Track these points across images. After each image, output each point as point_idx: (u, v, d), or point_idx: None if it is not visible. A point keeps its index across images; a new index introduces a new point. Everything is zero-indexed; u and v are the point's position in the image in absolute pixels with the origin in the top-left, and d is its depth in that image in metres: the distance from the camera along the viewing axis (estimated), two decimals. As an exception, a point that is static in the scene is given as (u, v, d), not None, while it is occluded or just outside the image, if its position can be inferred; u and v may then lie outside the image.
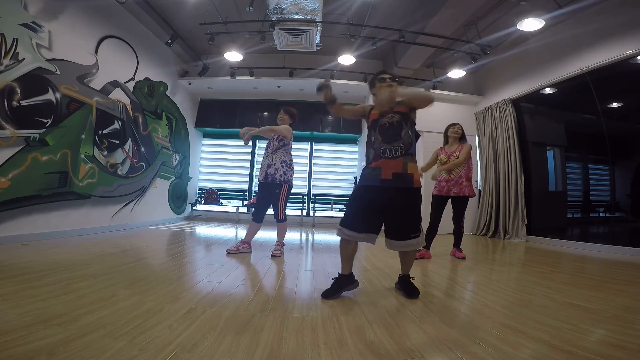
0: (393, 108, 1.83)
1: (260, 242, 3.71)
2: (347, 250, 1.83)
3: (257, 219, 3.01)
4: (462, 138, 3.22)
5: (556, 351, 1.14)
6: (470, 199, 3.16)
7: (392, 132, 1.77)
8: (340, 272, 1.85)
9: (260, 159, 3.24)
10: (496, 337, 1.26)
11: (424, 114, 5.72)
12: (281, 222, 2.99)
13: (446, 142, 3.28)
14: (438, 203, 3.16)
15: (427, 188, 3.41)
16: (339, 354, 1.10)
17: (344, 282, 1.81)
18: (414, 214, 1.79)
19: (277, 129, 2.94)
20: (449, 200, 3.19)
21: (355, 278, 1.87)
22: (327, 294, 1.75)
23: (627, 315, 1.54)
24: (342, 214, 1.94)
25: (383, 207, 1.76)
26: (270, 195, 2.96)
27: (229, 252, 2.93)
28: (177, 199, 6.17)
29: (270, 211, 3.06)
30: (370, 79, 2.03)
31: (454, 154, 3.12)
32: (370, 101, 5.44)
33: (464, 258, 3.09)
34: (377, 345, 1.18)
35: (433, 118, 5.59)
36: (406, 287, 1.84)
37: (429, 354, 1.12)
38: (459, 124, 3.25)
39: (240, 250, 2.98)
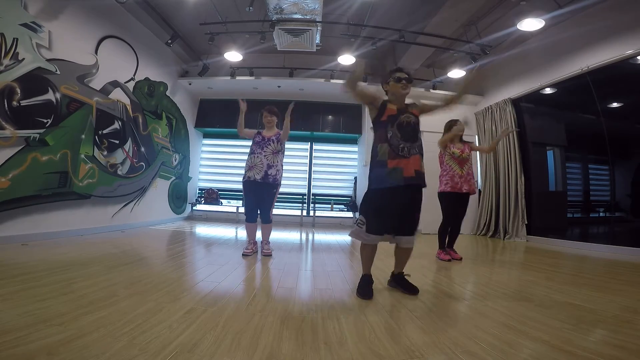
0: (408, 108, 1.87)
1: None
2: (371, 253, 1.88)
3: (252, 219, 3.04)
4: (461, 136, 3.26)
5: (556, 351, 1.14)
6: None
7: (411, 131, 1.81)
8: (365, 274, 1.88)
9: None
10: (496, 337, 1.26)
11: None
12: (269, 223, 3.06)
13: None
14: (454, 200, 3.11)
15: (429, 188, 3.38)
16: (339, 354, 1.10)
17: (370, 281, 1.87)
18: (419, 210, 1.87)
19: (287, 131, 3.02)
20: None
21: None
22: (369, 294, 1.78)
23: (627, 315, 1.54)
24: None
25: (404, 205, 1.78)
26: (264, 195, 3.00)
27: (245, 255, 2.92)
28: (177, 199, 6.17)
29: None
30: (385, 74, 1.95)
31: (465, 151, 3.16)
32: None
33: (460, 259, 3.07)
34: (377, 345, 1.18)
35: (433, 118, 5.59)
36: (406, 285, 1.91)
37: (429, 354, 1.12)
38: (459, 120, 3.28)
39: (255, 250, 3.04)
